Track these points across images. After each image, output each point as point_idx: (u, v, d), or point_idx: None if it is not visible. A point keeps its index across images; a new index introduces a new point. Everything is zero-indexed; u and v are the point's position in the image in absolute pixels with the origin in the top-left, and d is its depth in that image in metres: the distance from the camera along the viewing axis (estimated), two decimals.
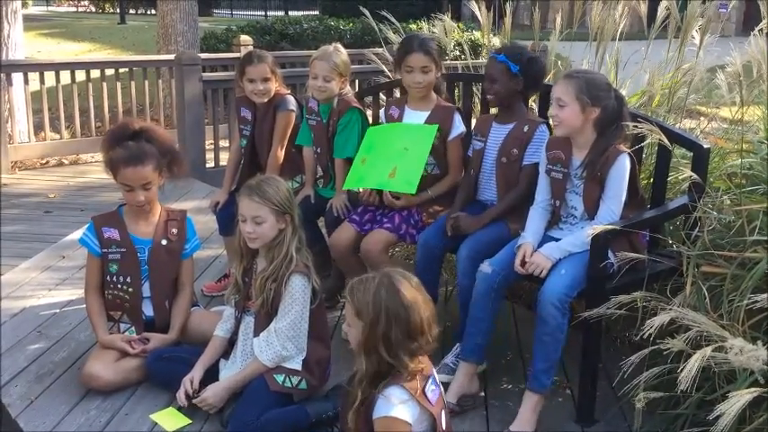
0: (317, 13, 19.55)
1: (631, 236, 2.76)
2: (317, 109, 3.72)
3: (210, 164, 6.59)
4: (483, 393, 3.05)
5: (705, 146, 2.95)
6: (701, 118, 4.32)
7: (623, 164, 2.81)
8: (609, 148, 2.81)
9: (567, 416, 2.90)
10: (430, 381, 2.14)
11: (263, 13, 23.66)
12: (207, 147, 6.68)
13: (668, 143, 2.79)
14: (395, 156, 3.34)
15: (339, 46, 3.69)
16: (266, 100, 3.79)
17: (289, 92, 3.89)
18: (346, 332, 2.17)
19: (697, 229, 2.82)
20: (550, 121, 2.95)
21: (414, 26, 9.76)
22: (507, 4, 4.51)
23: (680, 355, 2.35)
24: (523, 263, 2.86)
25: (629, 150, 2.85)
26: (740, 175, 3.04)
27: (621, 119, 2.84)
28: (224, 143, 6.72)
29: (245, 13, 25.81)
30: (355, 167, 3.47)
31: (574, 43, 4.43)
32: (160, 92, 7.68)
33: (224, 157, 6.62)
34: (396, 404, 2.04)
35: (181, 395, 2.87)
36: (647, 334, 2.27)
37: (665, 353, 2.37)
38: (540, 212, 3.00)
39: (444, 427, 2.16)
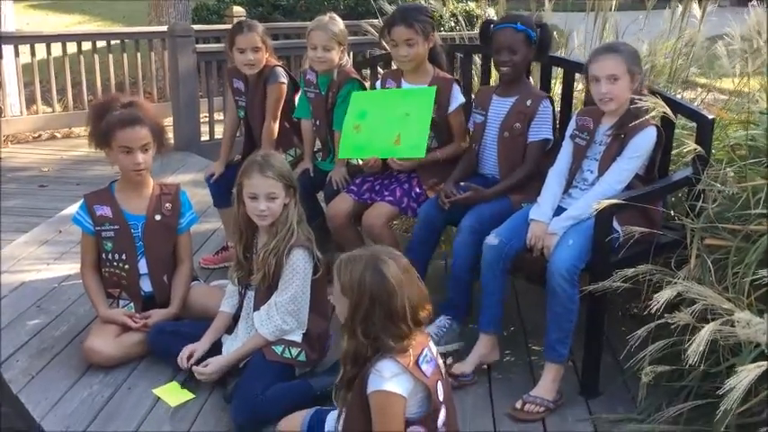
0: None
1: (647, 209, 2.76)
2: (316, 81, 3.67)
3: (205, 137, 6.52)
4: (486, 367, 3.05)
5: (709, 117, 2.93)
6: (699, 89, 4.30)
7: (650, 134, 2.83)
8: (639, 117, 2.80)
9: (570, 388, 2.89)
10: (424, 352, 2.13)
11: None
12: (201, 120, 6.61)
13: (673, 116, 2.77)
14: (396, 122, 3.27)
15: (335, 15, 3.63)
16: (256, 71, 3.73)
17: (279, 63, 3.83)
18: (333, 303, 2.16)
19: (701, 201, 2.81)
20: (599, 98, 2.87)
21: None
22: None
23: (685, 329, 2.36)
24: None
25: (657, 124, 2.84)
26: (744, 146, 3.03)
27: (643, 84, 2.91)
28: (218, 116, 6.64)
29: None
30: (347, 135, 3.38)
31: (569, 14, 4.39)
32: (152, 64, 7.58)
33: (219, 131, 6.54)
34: (388, 378, 2.03)
35: (183, 358, 2.86)
36: (654, 308, 2.26)
37: (671, 326, 2.37)
38: (558, 179, 2.99)
39: (442, 399, 2.15)
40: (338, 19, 3.60)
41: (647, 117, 2.84)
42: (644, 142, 2.83)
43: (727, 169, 2.86)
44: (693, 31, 3.92)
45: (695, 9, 3.91)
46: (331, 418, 2.38)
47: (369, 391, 2.03)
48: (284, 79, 3.74)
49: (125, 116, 3.01)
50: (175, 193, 3.22)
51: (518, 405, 2.78)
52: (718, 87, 4.19)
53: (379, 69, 4.24)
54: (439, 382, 2.13)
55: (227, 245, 4.01)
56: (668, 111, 2.70)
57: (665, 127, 2.98)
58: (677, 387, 2.62)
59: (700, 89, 4.27)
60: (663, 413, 2.57)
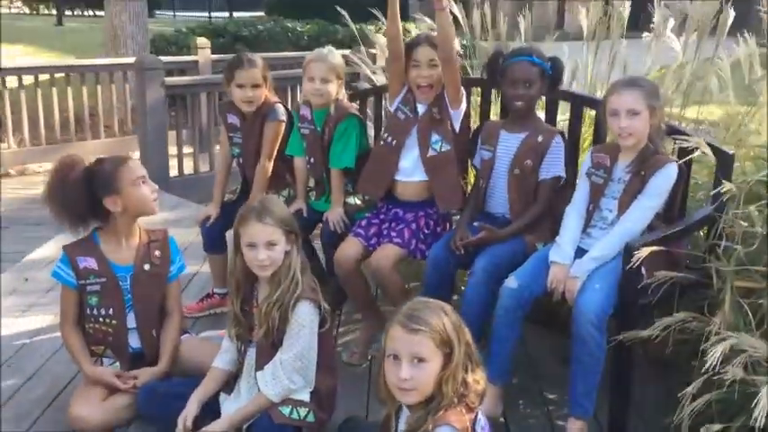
0: (262, 14, 19.18)
1: (670, 249, 2.63)
2: (311, 116, 3.47)
3: (174, 172, 6.25)
4: (503, 419, 2.87)
5: (730, 152, 2.83)
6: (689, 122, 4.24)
7: (670, 171, 2.72)
8: (659, 154, 2.72)
9: None
10: (478, 417, 1.95)
11: (207, 14, 23.10)
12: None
13: (712, 155, 2.67)
14: None
15: (332, 48, 3.47)
16: (255, 108, 3.53)
17: (279, 100, 3.62)
18: (404, 379, 1.91)
19: (724, 240, 2.70)
20: (618, 132, 2.76)
21: (372, 27, 9.56)
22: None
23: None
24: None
25: (678, 161, 2.74)
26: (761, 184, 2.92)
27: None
28: (187, 150, 6.41)
29: (188, 14, 25.15)
30: None
31: (549, 44, 4.30)
32: (114, 97, 7.30)
33: (188, 166, 6.34)
34: None
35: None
36: (710, 363, 2.10)
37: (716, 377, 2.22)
38: (577, 218, 2.86)
39: None
40: (336, 51, 3.43)
41: (666, 154, 2.76)
42: (665, 180, 2.73)
43: (751, 208, 2.76)
44: (678, 60, 3.86)
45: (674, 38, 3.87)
46: None
47: None
48: (284, 117, 3.55)
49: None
50: (164, 240, 2.99)
51: None
52: (709, 120, 4.14)
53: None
54: None
55: (213, 291, 3.76)
56: (708, 150, 2.59)
57: (686, 164, 2.88)
58: None
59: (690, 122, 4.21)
60: None
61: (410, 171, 3.22)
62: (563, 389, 3.04)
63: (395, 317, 1.96)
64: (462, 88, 3.19)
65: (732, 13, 3.67)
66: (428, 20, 4.42)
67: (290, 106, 3.79)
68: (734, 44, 3.60)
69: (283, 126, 3.55)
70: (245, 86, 3.46)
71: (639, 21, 4.12)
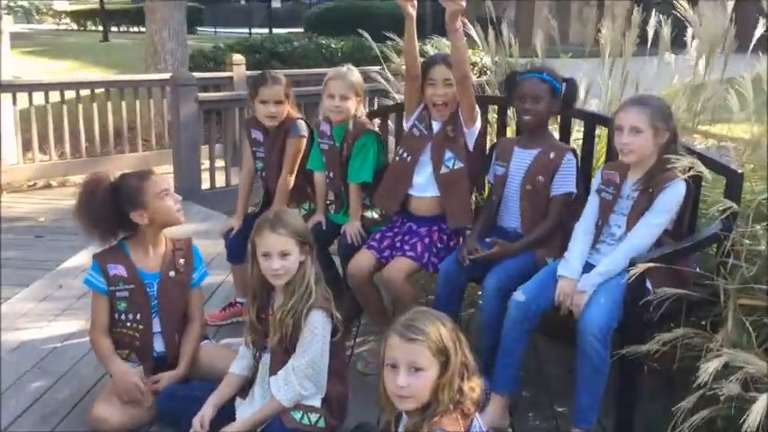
0: (301, 30, 19.48)
1: (676, 265, 2.67)
2: (330, 132, 3.60)
3: (206, 185, 6.42)
4: (510, 430, 2.93)
5: (739, 171, 2.86)
6: (705, 138, 4.25)
7: (679, 189, 2.76)
8: (667, 171, 2.76)
9: None
10: (474, 423, 2.02)
11: (248, 31, 23.51)
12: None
13: (707, 174, 2.70)
14: None
15: (351, 66, 3.60)
16: (277, 123, 3.66)
17: (300, 116, 3.76)
18: (402, 386, 2.00)
19: (731, 258, 2.73)
20: (620, 148, 2.82)
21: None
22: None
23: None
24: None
25: (686, 178, 2.77)
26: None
27: (677, 139, 2.85)
28: (219, 163, 6.58)
29: (229, 30, 25.60)
30: None
31: (564, 60, 4.36)
32: (151, 111, 7.53)
33: (219, 179, 6.51)
34: None
35: None
36: (701, 379, 2.15)
37: (710, 393, 2.26)
38: (585, 234, 2.92)
39: None
40: (355, 70, 3.56)
41: (674, 171, 2.79)
42: (673, 197, 2.77)
43: (757, 227, 2.79)
44: (693, 77, 3.89)
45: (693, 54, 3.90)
46: None
47: None
48: (305, 133, 3.68)
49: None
50: (188, 248, 3.12)
51: None
52: (728, 137, 4.14)
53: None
54: None
55: (236, 300, 3.88)
56: (704, 169, 2.63)
57: (694, 181, 2.92)
58: None
59: (702, 137, 4.22)
60: None
61: (424, 187, 3.32)
62: (572, 401, 3.09)
63: (393, 326, 2.04)
64: (477, 107, 3.28)
65: (762, 26, 3.69)
66: (445, 40, 4.53)
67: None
68: (755, 62, 3.63)
69: (304, 141, 3.68)
70: (268, 102, 3.60)
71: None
